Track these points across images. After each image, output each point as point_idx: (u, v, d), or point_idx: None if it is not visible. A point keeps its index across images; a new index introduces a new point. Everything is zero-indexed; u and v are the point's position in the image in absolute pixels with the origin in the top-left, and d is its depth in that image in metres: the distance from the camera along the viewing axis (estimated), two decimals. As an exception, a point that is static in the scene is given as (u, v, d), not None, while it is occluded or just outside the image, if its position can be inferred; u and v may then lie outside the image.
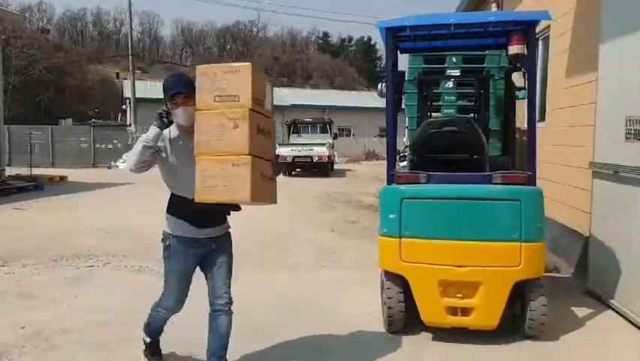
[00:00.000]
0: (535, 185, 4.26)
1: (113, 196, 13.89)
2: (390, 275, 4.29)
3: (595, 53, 5.33)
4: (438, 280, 4.09)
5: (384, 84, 4.78)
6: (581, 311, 4.79)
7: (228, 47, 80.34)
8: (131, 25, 32.80)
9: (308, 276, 6.12)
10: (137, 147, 3.22)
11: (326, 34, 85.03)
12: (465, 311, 4.09)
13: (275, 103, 41.83)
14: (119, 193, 14.55)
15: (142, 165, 3.24)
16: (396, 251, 4.20)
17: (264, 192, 3.18)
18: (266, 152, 3.21)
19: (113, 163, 26.81)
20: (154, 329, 3.70)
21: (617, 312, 4.71)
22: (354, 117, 39.50)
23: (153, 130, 3.24)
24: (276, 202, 3.33)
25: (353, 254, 7.10)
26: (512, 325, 4.23)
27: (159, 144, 3.28)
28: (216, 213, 3.39)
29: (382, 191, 4.43)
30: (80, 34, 77.78)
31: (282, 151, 18.72)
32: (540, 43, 8.07)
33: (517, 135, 6.68)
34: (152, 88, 40.71)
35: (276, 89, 45.51)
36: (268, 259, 6.78)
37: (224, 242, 3.52)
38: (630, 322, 4.48)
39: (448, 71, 7.31)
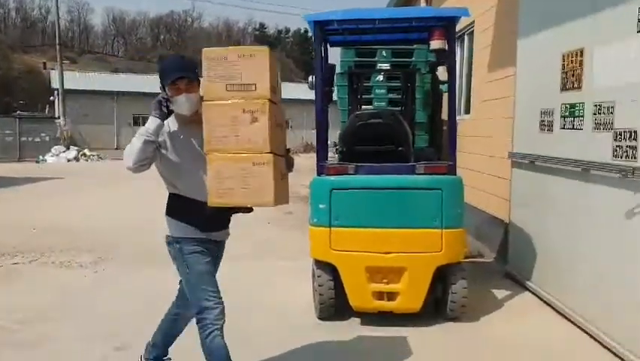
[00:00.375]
0: (455, 174, 4.47)
1: (41, 191, 13.37)
2: (320, 264, 4.41)
3: (514, 49, 5.63)
4: (365, 266, 4.24)
5: (314, 77, 4.86)
6: (500, 293, 5.09)
7: (162, 37, 78.38)
8: (57, 13, 31.46)
9: (243, 267, 6.13)
10: (137, 143, 2.75)
11: (262, 26, 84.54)
12: (391, 296, 4.27)
13: (211, 95, 41.11)
14: (47, 188, 14.02)
15: (143, 163, 2.80)
16: (326, 240, 4.32)
17: (282, 193, 2.84)
18: (280, 146, 2.87)
19: (41, 157, 25.71)
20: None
21: (532, 293, 5.03)
22: (291, 109, 39.26)
23: (154, 121, 2.79)
24: (288, 202, 2.97)
25: (288, 245, 7.19)
26: (435, 308, 4.46)
27: (159, 138, 2.85)
28: (224, 216, 3.03)
29: (312, 182, 4.52)
30: (2, 21, 73.77)
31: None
32: (466, 38, 8.40)
33: (444, 127, 6.97)
34: (82, 79, 39.34)
35: (212, 81, 44.79)
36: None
37: (223, 250, 3.23)
38: (544, 301, 4.80)
39: (379, 65, 7.49)
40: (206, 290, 2.92)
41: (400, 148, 4.76)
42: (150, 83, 41.30)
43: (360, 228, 4.27)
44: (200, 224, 2.93)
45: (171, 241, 3.00)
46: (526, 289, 5.14)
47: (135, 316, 4.55)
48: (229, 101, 2.68)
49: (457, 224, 4.26)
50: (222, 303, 2.94)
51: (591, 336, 4.02)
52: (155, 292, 5.13)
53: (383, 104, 7.99)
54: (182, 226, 2.94)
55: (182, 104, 2.84)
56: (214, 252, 3.05)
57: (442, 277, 4.34)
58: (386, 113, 5.30)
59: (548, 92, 4.77)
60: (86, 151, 27.80)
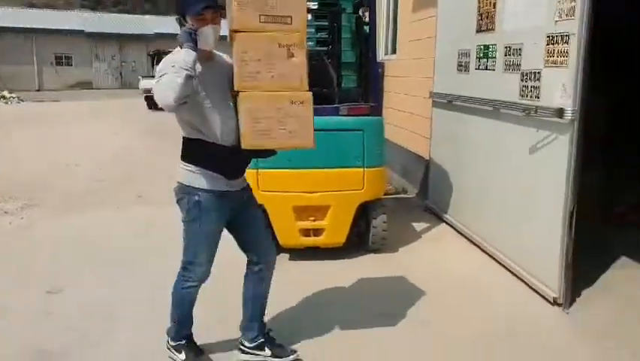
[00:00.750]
0: (380, 115, 4.64)
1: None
2: (249, 204, 4.54)
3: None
4: (292, 206, 4.42)
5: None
6: (420, 226, 5.44)
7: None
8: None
9: (167, 211, 6.18)
10: (177, 78, 2.42)
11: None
12: (317, 232, 4.48)
13: (137, 32, 39.42)
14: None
15: (184, 101, 2.50)
16: (254, 182, 4.40)
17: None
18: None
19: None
20: (186, 314, 2.98)
21: (449, 225, 5.40)
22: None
23: (189, 54, 2.47)
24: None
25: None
26: (358, 241, 4.73)
27: None
28: (247, 161, 2.85)
29: (238, 125, 4.57)
30: None
31: (147, 84, 18.42)
32: (392, -23, 8.45)
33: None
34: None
35: (138, 17, 42.81)
36: (125, 195, 6.75)
37: (252, 194, 3.01)
38: (459, 232, 5.18)
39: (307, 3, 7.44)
40: (206, 250, 2.83)
41: (325, 90, 4.86)
42: (70, 19, 39.13)
43: (286, 169, 4.40)
44: (226, 171, 2.73)
45: (189, 192, 2.74)
46: (444, 221, 5.51)
47: (63, 260, 4.58)
48: (264, 34, 2.45)
49: (378, 163, 4.48)
50: (209, 268, 2.88)
51: (499, 262, 4.40)
52: (82, 237, 5.17)
53: (311, 43, 7.98)
54: (208, 175, 2.71)
55: (208, 36, 2.56)
56: (237, 201, 2.85)
57: (365, 212, 4.60)
58: (311, 55, 5.34)
59: (465, 33, 4.96)
60: (5, 93, 26.24)
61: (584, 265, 3.90)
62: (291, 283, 4.12)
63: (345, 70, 7.07)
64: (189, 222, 2.80)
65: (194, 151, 2.73)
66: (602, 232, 4.85)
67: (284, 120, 2.51)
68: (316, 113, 4.39)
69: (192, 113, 2.66)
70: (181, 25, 2.63)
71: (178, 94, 2.43)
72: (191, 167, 2.73)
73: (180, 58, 2.48)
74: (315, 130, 4.27)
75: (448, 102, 5.37)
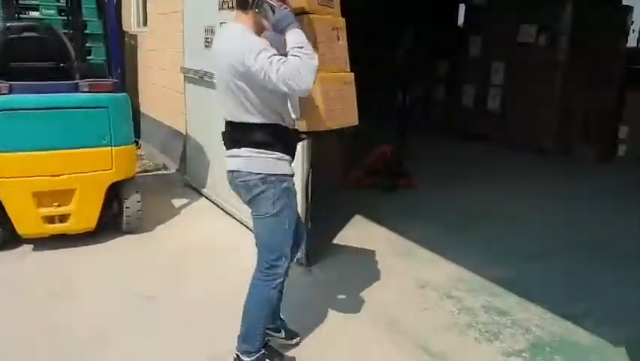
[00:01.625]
0: (123, 91, 4.49)
1: None
2: (-21, 193, 4.07)
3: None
4: (32, 192, 4.07)
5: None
6: (178, 202, 5.47)
7: None
8: None
9: None
10: (313, 61, 2.26)
11: None
12: (62, 218, 4.21)
13: None
14: None
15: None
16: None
17: None
18: None
19: None
20: (270, 314, 2.79)
21: (206, 197, 5.54)
22: None
23: (302, 33, 2.32)
24: None
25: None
26: (114, 223, 4.59)
27: None
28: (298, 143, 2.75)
29: (-42, 104, 4.02)
30: None
31: None
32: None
33: (126, 39, 6.73)
34: None
35: None
36: None
37: None
38: (214, 203, 5.35)
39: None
40: (291, 239, 2.68)
41: (63, 65, 4.53)
42: None
43: (21, 152, 4.02)
44: (293, 154, 2.63)
45: (274, 180, 2.53)
46: (202, 195, 5.62)
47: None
48: (327, 16, 2.47)
49: (126, 141, 4.35)
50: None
51: (250, 230, 4.66)
52: None
53: (52, 11, 7.38)
54: (281, 159, 2.54)
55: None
56: None
57: (117, 193, 4.46)
58: (42, 27, 4.89)
59: (209, 10, 5.02)
60: None
61: (325, 226, 4.36)
62: (38, 276, 3.85)
63: (91, 42, 6.68)
64: (277, 214, 2.57)
65: (273, 136, 2.52)
66: (341, 196, 5.47)
67: (343, 100, 2.59)
68: (53, 90, 4.15)
69: (278, 99, 2.47)
70: (261, 3, 2.38)
71: (313, 77, 2.29)
72: (275, 154, 2.53)
73: (302, 39, 2.31)
74: (54, 108, 4.07)
75: (199, 78, 5.41)
